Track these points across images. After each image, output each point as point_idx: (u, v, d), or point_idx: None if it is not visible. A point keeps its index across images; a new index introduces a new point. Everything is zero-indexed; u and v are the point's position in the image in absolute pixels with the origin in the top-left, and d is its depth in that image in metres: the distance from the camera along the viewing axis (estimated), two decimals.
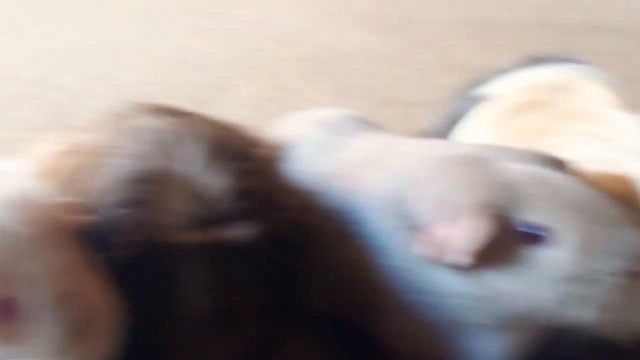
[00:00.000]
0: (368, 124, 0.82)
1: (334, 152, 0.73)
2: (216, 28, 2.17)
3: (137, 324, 0.56)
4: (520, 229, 0.55)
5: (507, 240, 0.55)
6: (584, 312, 0.54)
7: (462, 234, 0.54)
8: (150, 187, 0.59)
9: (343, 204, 0.67)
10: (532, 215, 0.54)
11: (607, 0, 2.37)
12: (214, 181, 0.59)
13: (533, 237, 0.55)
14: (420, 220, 0.58)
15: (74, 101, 1.63)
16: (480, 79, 0.91)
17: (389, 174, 0.63)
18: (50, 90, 1.68)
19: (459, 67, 1.68)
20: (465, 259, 0.55)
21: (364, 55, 1.94)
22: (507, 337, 0.60)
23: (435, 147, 0.66)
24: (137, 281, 0.56)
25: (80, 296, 0.52)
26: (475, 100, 0.86)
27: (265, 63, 1.88)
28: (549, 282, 0.54)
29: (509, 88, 0.84)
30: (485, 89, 0.87)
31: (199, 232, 0.57)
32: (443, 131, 0.88)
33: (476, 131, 0.82)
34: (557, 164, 0.59)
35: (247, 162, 0.64)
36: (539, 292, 0.55)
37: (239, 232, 0.58)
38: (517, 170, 0.57)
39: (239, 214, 0.59)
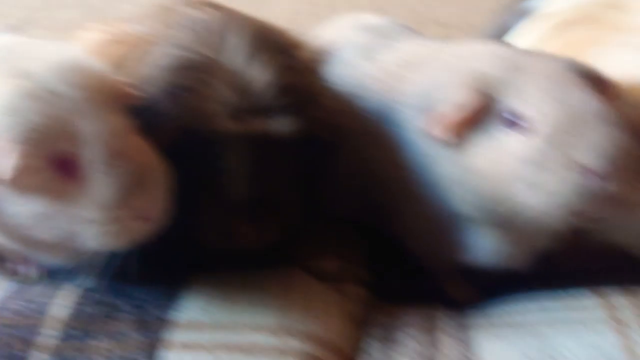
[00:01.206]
0: (411, 31, 0.83)
1: (377, 55, 0.75)
2: None
3: (180, 204, 0.60)
4: (505, 114, 0.58)
5: (489, 121, 0.58)
6: (534, 197, 0.55)
7: (450, 110, 0.58)
8: (195, 75, 0.61)
9: (380, 105, 0.69)
10: (517, 103, 0.57)
11: None
12: (258, 74, 0.61)
13: (513, 123, 0.57)
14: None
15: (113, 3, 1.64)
16: None
17: (425, 76, 0.65)
18: None
19: None
20: (450, 131, 0.59)
21: None
22: (496, 231, 0.63)
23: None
24: (182, 163, 0.60)
25: (131, 154, 0.56)
26: (523, 14, 0.88)
27: None
28: (516, 163, 0.56)
29: (561, 3, 0.85)
30: (534, 3, 0.89)
31: (242, 123, 0.60)
32: None
33: (525, 44, 0.82)
34: (588, 73, 0.60)
35: (290, 59, 0.66)
36: (505, 172, 0.57)
37: (280, 125, 0.61)
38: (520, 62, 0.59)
39: (281, 108, 0.61)
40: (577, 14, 0.82)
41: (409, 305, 0.72)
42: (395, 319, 0.69)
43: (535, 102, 0.57)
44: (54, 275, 0.65)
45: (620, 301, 0.62)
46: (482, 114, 0.58)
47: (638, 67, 0.69)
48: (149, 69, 0.64)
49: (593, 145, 0.54)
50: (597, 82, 0.60)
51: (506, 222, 0.61)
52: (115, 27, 0.74)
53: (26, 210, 0.56)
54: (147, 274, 0.63)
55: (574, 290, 0.66)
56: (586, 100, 0.56)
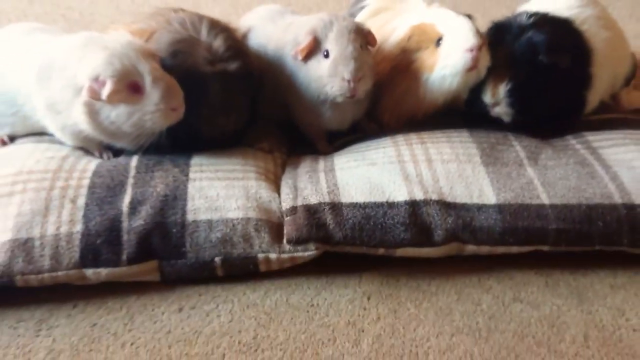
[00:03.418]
0: (293, 11, 1.58)
1: (276, 22, 1.47)
2: None
3: (189, 111, 1.24)
4: (324, 51, 1.29)
5: (318, 52, 1.30)
6: (331, 89, 1.30)
7: (300, 46, 1.29)
8: (184, 44, 1.27)
9: (276, 48, 1.40)
10: (327, 44, 1.28)
11: None
12: (216, 41, 1.27)
13: (326, 55, 1.28)
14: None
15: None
16: None
17: (294, 30, 1.36)
18: None
19: None
20: (300, 56, 1.29)
21: None
22: (331, 108, 1.36)
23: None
24: (187, 89, 1.24)
25: (164, 78, 1.20)
26: (360, 7, 1.62)
27: None
28: (324, 72, 1.27)
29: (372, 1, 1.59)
30: (365, 3, 1.61)
31: (213, 66, 1.25)
32: None
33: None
34: (363, 30, 1.33)
35: (229, 32, 1.33)
36: (321, 76, 1.29)
37: (231, 66, 1.27)
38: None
39: (230, 58, 1.27)
40: (377, 6, 1.57)
41: (306, 156, 1.42)
42: (298, 162, 1.40)
43: (331, 44, 1.28)
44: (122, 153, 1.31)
45: (400, 139, 1.37)
46: (315, 48, 1.30)
47: (400, 34, 1.43)
48: (158, 44, 1.29)
49: (348, 68, 1.28)
50: (367, 35, 1.33)
51: (329, 102, 1.34)
52: (130, 26, 1.38)
53: (116, 113, 1.18)
54: (176, 147, 1.29)
55: (382, 139, 1.40)
56: (349, 46, 1.29)
